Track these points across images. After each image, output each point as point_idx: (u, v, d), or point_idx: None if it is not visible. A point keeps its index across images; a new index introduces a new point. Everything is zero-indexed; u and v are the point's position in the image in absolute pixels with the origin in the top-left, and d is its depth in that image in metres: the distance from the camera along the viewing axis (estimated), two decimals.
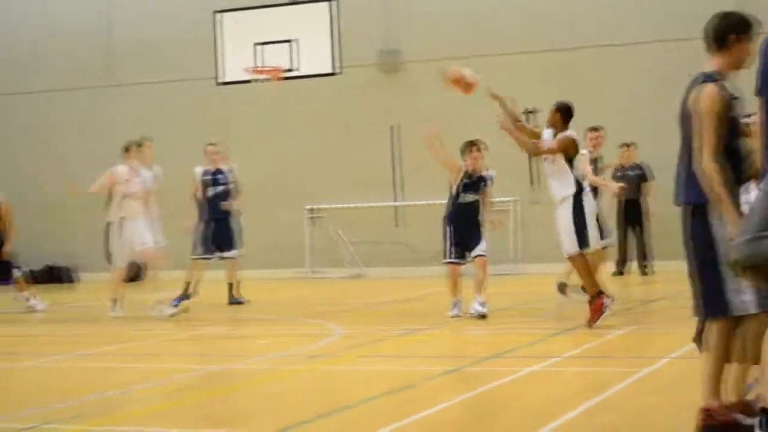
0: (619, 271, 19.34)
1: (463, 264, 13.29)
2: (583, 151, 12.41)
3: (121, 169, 14.95)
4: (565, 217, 11.83)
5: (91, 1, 24.96)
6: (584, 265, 11.83)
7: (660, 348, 10.22)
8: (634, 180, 19.31)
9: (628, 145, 19.51)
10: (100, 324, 14.23)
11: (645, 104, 20.12)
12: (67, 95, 24.97)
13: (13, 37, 25.55)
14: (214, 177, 15.87)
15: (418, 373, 9.19)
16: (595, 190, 13.37)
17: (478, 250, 13.10)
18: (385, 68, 22.74)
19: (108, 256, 15.32)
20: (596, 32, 21.34)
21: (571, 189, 11.80)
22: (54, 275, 23.54)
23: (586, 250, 11.88)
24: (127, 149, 15.10)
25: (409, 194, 22.44)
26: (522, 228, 21.51)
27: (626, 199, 18.70)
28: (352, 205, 22.52)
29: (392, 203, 22.66)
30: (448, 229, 13.30)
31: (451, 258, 13.20)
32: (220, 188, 15.84)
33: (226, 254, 15.85)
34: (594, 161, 14.41)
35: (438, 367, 9.47)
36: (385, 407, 7.61)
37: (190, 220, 15.69)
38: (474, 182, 13.29)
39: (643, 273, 19.55)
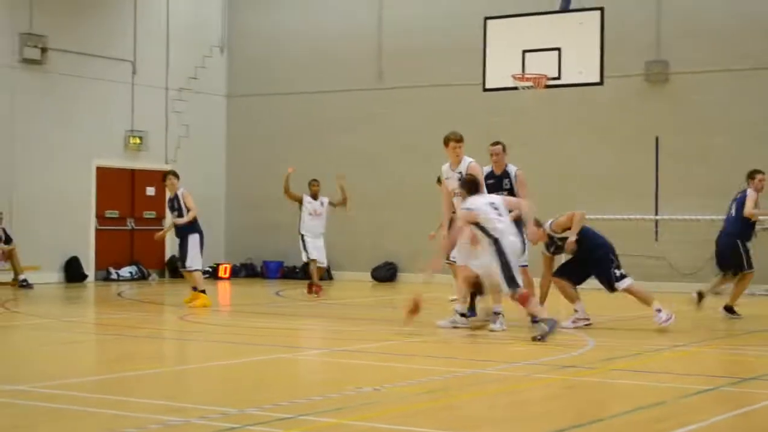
0: None
1: None
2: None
3: None
4: None
5: (363, 8, 25.71)
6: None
7: None
8: None
9: None
10: (356, 322, 14.61)
11: None
12: (338, 96, 25.84)
13: (292, 43, 26.58)
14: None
15: (672, 389, 9.05)
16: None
17: None
18: (651, 79, 22.41)
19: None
20: None
21: None
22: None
23: None
24: None
25: (669, 208, 22.00)
26: None
27: None
28: (611, 216, 22.26)
29: (652, 216, 22.26)
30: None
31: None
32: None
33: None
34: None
35: (693, 385, 9.28)
36: (636, 423, 7.53)
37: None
38: None
39: None
